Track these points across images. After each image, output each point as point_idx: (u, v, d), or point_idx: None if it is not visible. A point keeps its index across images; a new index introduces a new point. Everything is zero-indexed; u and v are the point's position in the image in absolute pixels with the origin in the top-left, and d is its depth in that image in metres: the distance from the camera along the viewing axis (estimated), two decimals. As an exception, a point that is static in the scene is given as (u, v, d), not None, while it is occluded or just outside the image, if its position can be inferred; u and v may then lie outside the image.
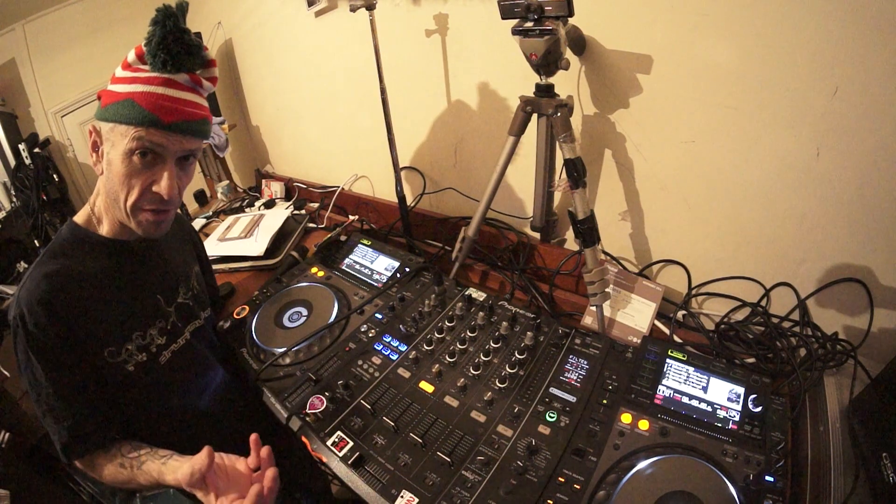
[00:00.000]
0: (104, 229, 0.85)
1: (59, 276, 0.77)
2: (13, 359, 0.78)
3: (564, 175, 0.99)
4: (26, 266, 2.32)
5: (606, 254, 1.22)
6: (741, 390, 0.84)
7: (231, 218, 1.79)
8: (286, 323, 1.12)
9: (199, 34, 2.04)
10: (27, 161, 2.38)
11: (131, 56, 0.76)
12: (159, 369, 0.89)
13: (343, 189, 1.88)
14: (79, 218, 0.86)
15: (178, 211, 1.74)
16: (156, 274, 0.93)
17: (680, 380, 0.87)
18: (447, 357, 0.96)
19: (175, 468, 0.74)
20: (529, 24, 0.89)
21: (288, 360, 1.02)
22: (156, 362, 0.89)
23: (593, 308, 1.07)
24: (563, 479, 0.73)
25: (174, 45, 0.73)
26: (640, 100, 1.02)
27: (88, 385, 0.80)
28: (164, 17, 0.71)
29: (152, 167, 0.77)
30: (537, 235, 1.32)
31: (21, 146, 2.38)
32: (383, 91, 1.27)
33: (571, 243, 1.32)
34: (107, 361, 0.81)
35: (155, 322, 0.90)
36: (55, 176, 2.46)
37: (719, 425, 0.79)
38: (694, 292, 1.11)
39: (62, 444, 0.78)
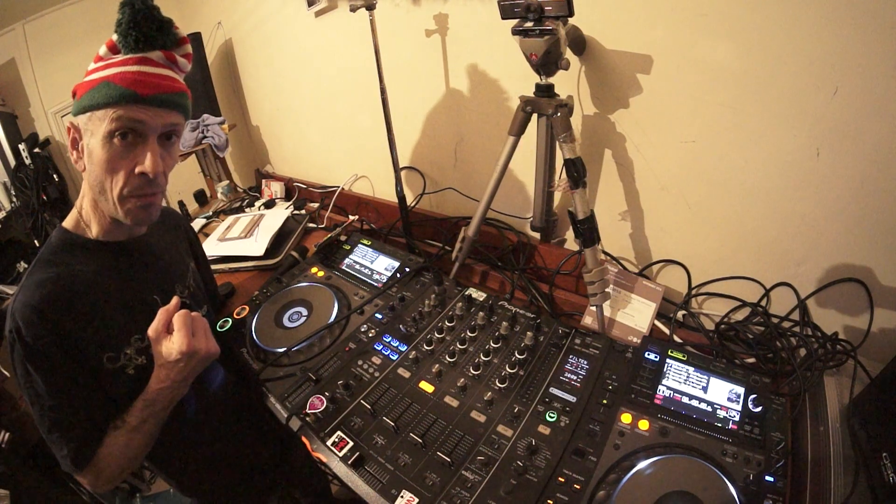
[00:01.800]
0: (94, 231, 0.83)
1: (52, 283, 0.75)
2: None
3: (564, 175, 0.99)
4: (26, 266, 2.32)
5: (606, 254, 1.22)
6: (741, 390, 0.84)
7: (231, 218, 1.79)
8: (286, 323, 1.12)
9: (198, 34, 2.04)
10: (27, 161, 2.38)
11: (103, 50, 0.75)
12: None
13: (343, 189, 1.88)
14: (67, 223, 0.83)
15: (178, 212, 1.74)
16: (151, 273, 0.92)
17: (680, 380, 0.87)
18: (447, 357, 0.96)
19: (150, 381, 0.80)
20: (529, 24, 0.89)
21: (288, 360, 1.02)
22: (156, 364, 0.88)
23: (593, 308, 1.07)
24: (563, 479, 0.73)
25: (145, 23, 0.72)
26: (640, 100, 1.02)
27: (90, 393, 0.78)
28: None
29: (134, 149, 0.75)
30: (537, 235, 1.32)
31: (21, 146, 2.37)
32: (383, 91, 1.27)
33: (571, 243, 1.32)
34: (106, 367, 0.79)
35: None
36: (55, 176, 2.46)
37: (719, 425, 0.79)
38: (694, 292, 1.11)
39: (72, 457, 0.75)
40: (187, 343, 0.76)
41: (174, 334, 0.77)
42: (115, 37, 0.73)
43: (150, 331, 0.78)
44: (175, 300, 0.81)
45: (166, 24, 0.75)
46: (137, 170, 0.75)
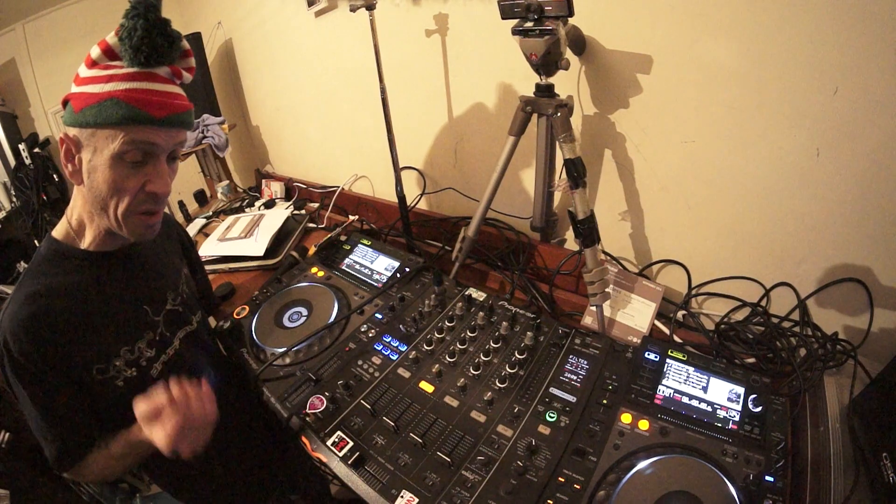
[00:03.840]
0: (86, 242, 0.80)
1: (40, 296, 0.74)
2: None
3: (564, 175, 0.99)
4: (26, 266, 2.31)
5: (606, 254, 1.22)
6: (741, 390, 0.84)
7: (231, 218, 1.79)
8: (286, 323, 1.12)
9: (198, 34, 2.04)
10: (27, 161, 2.38)
11: (96, 52, 0.70)
12: (151, 382, 0.83)
13: (343, 189, 1.88)
14: (57, 233, 0.81)
15: (171, 215, 1.73)
16: (141, 283, 0.89)
17: (680, 380, 0.87)
18: (447, 357, 0.96)
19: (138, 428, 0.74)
20: (529, 24, 0.89)
21: (288, 360, 1.02)
22: (147, 376, 0.85)
23: (593, 308, 1.07)
24: (563, 479, 0.73)
25: (159, 39, 0.68)
26: (640, 100, 1.02)
27: (77, 406, 0.78)
28: (146, 9, 0.66)
29: (143, 167, 0.73)
30: (537, 235, 1.32)
31: (21, 146, 2.37)
32: (383, 91, 1.27)
33: (571, 243, 1.32)
34: (95, 379, 0.78)
35: (143, 334, 0.86)
36: (55, 176, 2.46)
37: (719, 425, 0.79)
38: (694, 292, 1.11)
39: (53, 459, 0.78)
40: (171, 443, 0.68)
41: (163, 430, 0.67)
42: (111, 40, 0.70)
43: (137, 410, 0.69)
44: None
45: (177, 38, 0.72)
46: (148, 189, 0.74)
